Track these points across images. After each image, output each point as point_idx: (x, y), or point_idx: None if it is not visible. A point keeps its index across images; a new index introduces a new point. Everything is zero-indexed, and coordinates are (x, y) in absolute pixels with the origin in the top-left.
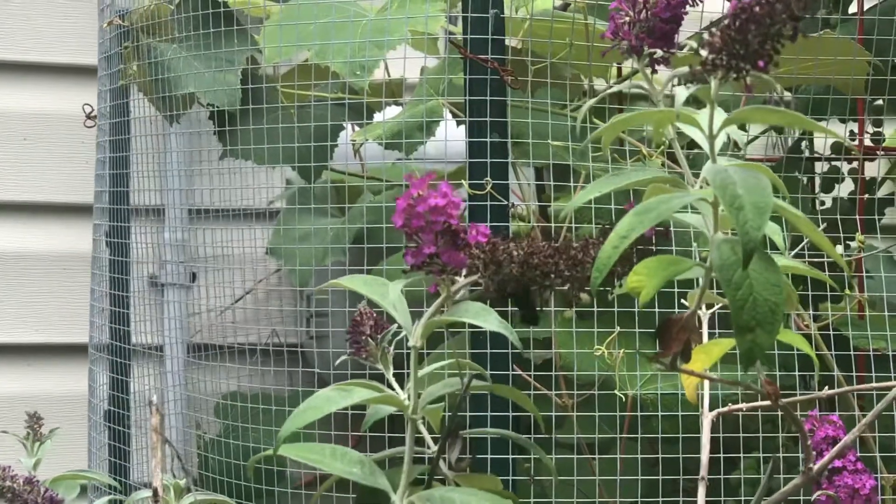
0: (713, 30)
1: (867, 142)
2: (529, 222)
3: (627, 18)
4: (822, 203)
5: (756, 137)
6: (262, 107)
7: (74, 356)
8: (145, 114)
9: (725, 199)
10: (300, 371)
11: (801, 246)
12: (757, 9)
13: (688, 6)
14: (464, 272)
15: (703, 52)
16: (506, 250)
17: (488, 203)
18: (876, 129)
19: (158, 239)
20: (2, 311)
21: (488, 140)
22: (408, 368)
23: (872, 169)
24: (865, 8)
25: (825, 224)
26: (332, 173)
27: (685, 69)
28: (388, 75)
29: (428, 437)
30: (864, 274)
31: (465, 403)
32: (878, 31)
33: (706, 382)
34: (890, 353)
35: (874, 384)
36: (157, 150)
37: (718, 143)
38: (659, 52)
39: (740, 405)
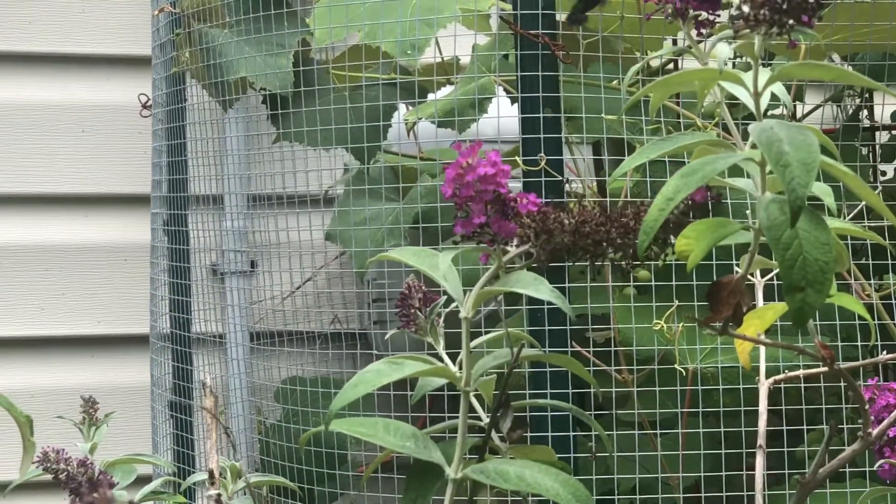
0: None
1: None
2: (585, 198)
3: None
4: (884, 173)
5: (816, 108)
6: (314, 89)
7: (138, 346)
8: (200, 100)
9: (771, 157)
10: (358, 354)
11: (853, 213)
12: None
13: None
14: (515, 242)
15: (745, 8)
16: (557, 219)
17: (542, 179)
18: None
19: (218, 227)
20: (65, 304)
21: (541, 116)
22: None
23: None
24: None
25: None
26: (388, 156)
27: (730, 32)
28: (441, 54)
29: (481, 411)
30: None
31: (515, 373)
32: None
33: (762, 351)
34: None
35: None
36: (214, 136)
37: (764, 101)
38: (704, 15)
39: (798, 372)
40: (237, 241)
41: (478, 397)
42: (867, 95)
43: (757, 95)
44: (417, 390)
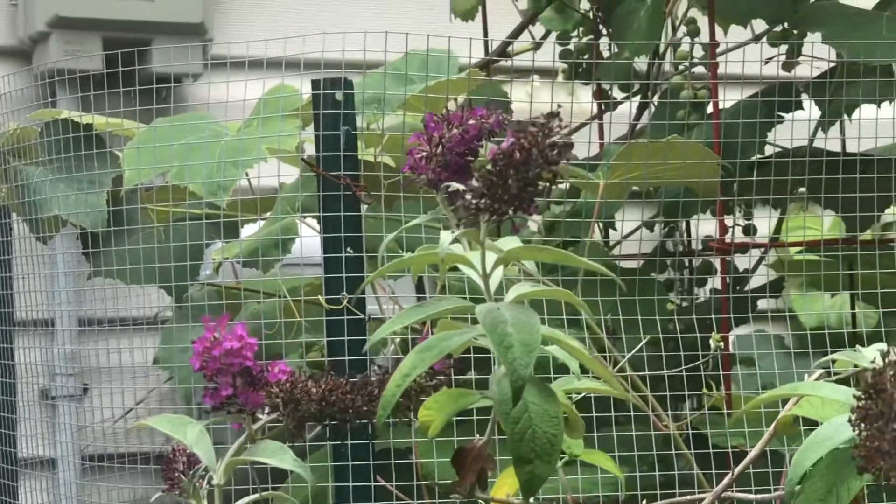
0: (476, 174)
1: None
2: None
3: (425, 153)
4: (697, 297)
5: (629, 234)
6: (124, 228)
7: None
8: (28, 233)
9: (495, 339)
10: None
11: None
12: (516, 155)
13: (483, 140)
14: (266, 409)
15: (468, 196)
16: (304, 388)
17: (345, 318)
18: (747, 222)
19: (48, 353)
20: None
21: (343, 255)
22: None
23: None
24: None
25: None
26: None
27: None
28: (251, 190)
29: None
30: (724, 371)
31: None
32: (731, 134)
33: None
34: (748, 449)
35: (686, 497)
36: (42, 270)
37: (494, 280)
38: (454, 186)
39: None
40: (67, 365)
41: None
42: (676, 224)
43: (486, 277)
44: None
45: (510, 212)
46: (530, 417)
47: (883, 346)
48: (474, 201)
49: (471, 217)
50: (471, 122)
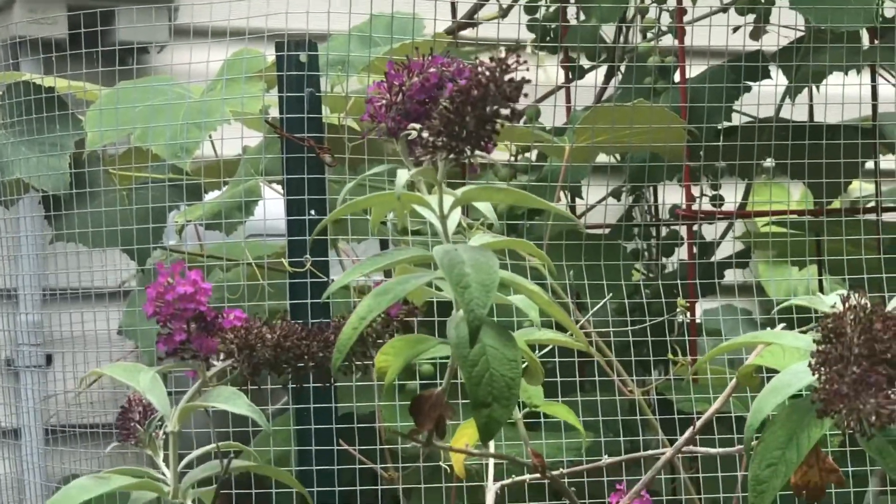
0: (433, 111)
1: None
2: (352, 297)
3: (385, 101)
4: (665, 267)
5: (597, 203)
6: (86, 191)
7: None
8: None
9: (452, 279)
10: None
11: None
12: (474, 91)
13: (444, 88)
14: (221, 356)
15: (425, 134)
16: (259, 334)
17: (308, 280)
18: (714, 192)
19: (12, 323)
20: None
21: (307, 218)
22: None
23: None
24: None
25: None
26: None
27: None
28: (216, 154)
29: None
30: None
31: (225, 485)
32: (698, 100)
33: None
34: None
35: (647, 452)
36: (5, 234)
37: (452, 222)
38: (414, 133)
39: (524, 477)
40: (32, 335)
41: None
42: (644, 193)
43: (443, 218)
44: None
45: (468, 150)
46: (488, 360)
47: (843, 291)
48: (431, 139)
49: (428, 156)
50: (431, 69)
